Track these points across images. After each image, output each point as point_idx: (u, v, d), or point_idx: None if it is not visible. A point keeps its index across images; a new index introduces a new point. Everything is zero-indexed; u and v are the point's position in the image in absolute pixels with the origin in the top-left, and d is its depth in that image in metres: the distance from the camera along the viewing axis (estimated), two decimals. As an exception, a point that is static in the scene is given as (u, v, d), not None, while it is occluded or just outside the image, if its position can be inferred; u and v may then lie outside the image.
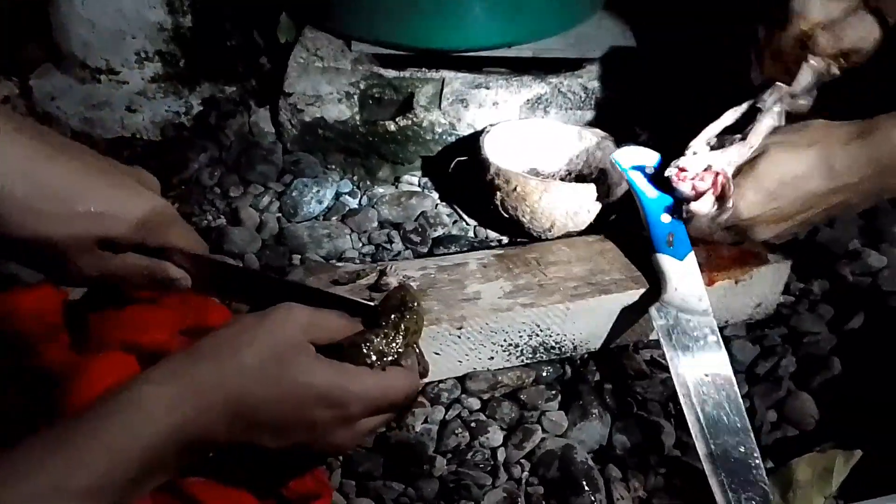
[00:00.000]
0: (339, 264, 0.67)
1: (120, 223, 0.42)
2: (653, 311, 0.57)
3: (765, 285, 0.63)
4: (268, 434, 0.37)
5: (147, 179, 0.46)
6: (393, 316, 0.42)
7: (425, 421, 0.56)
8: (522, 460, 0.54)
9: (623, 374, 0.60)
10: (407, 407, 0.44)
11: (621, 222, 0.68)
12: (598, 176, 0.73)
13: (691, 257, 0.59)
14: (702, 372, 0.54)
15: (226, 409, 0.36)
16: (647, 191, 0.61)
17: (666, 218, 0.60)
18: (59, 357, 0.45)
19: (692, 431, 0.52)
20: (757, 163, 0.57)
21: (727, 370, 0.55)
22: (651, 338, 0.62)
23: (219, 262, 0.56)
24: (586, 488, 0.52)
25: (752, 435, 0.52)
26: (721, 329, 0.64)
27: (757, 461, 0.51)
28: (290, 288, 0.53)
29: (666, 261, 0.58)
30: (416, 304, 0.44)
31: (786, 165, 0.56)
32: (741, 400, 0.54)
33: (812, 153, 0.56)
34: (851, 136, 0.55)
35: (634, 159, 0.63)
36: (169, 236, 0.45)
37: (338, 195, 0.77)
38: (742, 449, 0.51)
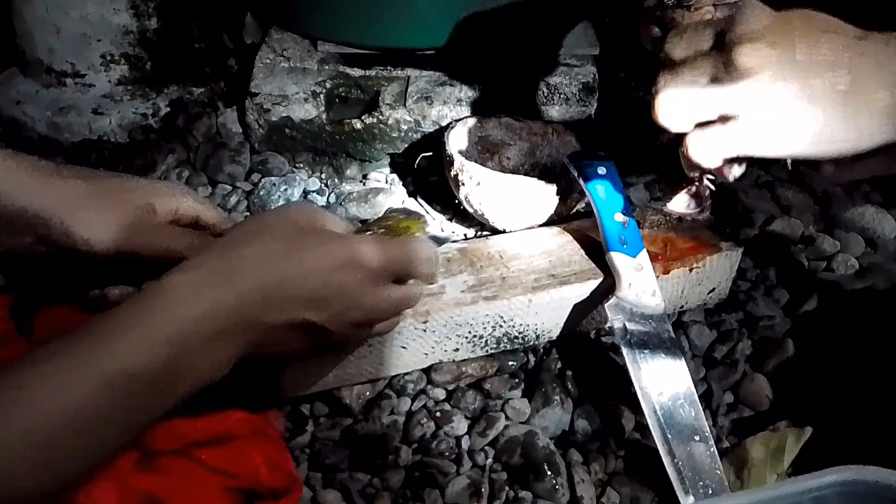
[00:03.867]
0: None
1: (167, 203, 0.51)
2: (608, 307, 0.58)
3: (718, 272, 0.65)
4: (305, 308, 0.39)
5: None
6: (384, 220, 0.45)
7: (391, 412, 0.57)
8: (486, 447, 0.56)
9: (584, 361, 0.62)
10: (430, 270, 0.46)
11: (582, 215, 0.70)
12: (561, 170, 0.75)
13: (643, 254, 0.60)
14: (657, 365, 0.56)
15: (259, 290, 0.37)
16: (600, 192, 0.63)
17: (619, 217, 0.62)
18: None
19: (649, 422, 0.54)
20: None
21: (681, 362, 0.57)
22: (610, 325, 0.64)
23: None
24: (548, 473, 0.53)
25: (706, 423, 0.54)
26: (679, 315, 0.67)
27: (712, 449, 0.53)
28: None
29: (620, 259, 0.60)
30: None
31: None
32: (695, 390, 0.56)
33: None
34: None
35: (587, 161, 0.65)
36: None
37: (306, 193, 0.78)
38: (697, 438, 0.53)
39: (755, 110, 0.44)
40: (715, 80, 0.44)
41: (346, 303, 0.40)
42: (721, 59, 0.44)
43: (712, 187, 0.53)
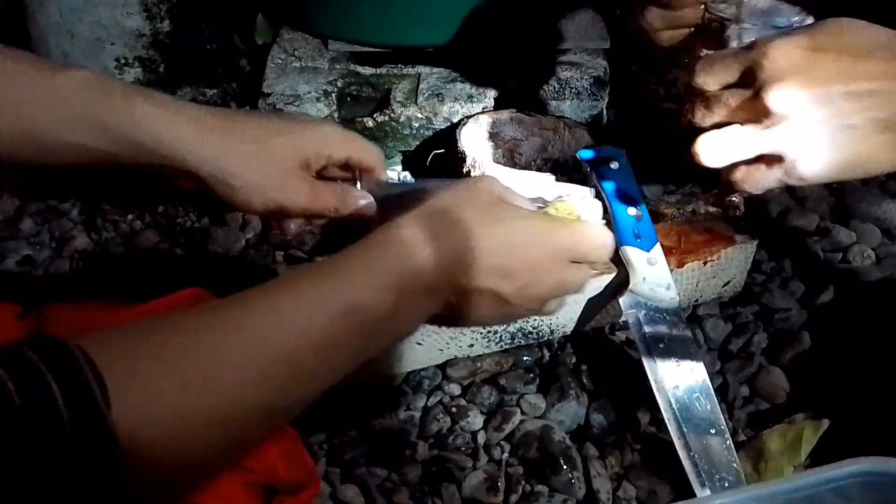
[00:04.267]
0: (320, 259, 0.68)
1: (317, 161, 0.50)
2: (622, 301, 0.58)
3: (732, 265, 0.65)
4: (499, 277, 0.41)
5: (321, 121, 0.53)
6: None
7: (408, 408, 0.58)
8: (502, 442, 0.56)
9: (599, 356, 0.62)
10: (605, 256, 0.47)
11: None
12: (573, 164, 0.74)
13: (657, 248, 0.60)
14: (672, 358, 0.56)
15: (465, 255, 0.40)
16: (613, 186, 0.63)
17: (632, 211, 0.62)
18: None
19: (665, 416, 0.54)
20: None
21: (697, 355, 0.57)
22: (624, 319, 0.64)
23: (399, 184, 0.60)
24: (564, 467, 0.54)
25: (722, 417, 0.54)
26: (694, 308, 0.66)
27: (728, 442, 0.53)
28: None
29: (633, 253, 0.60)
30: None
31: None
32: (710, 383, 0.56)
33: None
34: None
35: (600, 156, 0.65)
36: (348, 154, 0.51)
37: (319, 192, 0.79)
38: (713, 431, 0.53)
39: (795, 150, 0.44)
40: (751, 121, 0.44)
41: (533, 278, 0.42)
42: (754, 100, 0.43)
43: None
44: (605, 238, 0.45)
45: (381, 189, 0.52)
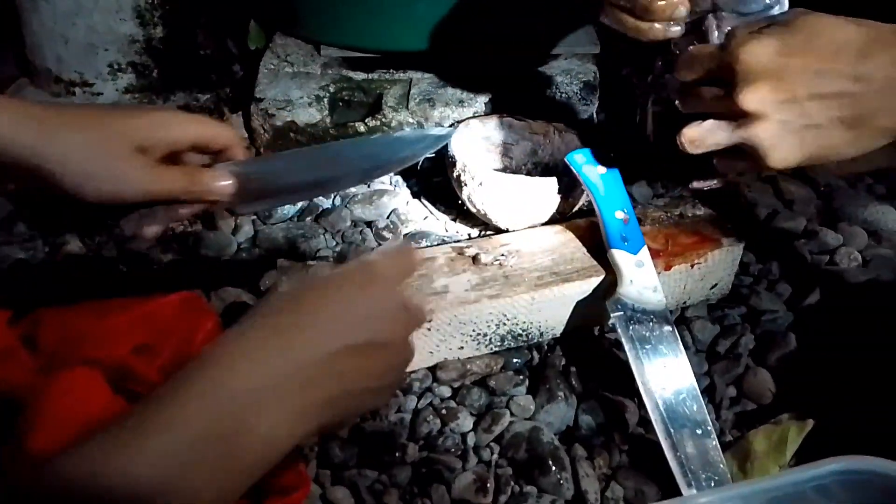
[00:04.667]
0: (313, 263, 0.69)
1: (156, 146, 0.48)
2: (609, 304, 0.59)
3: (719, 267, 0.66)
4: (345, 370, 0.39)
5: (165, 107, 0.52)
6: None
7: (398, 410, 0.58)
8: (492, 444, 0.57)
9: (588, 357, 0.63)
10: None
11: (584, 213, 0.71)
12: (563, 168, 0.75)
13: (644, 251, 0.61)
14: (659, 360, 0.57)
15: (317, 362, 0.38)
16: (601, 190, 0.64)
17: (619, 214, 0.62)
18: (18, 377, 0.45)
19: (651, 417, 0.54)
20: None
21: (683, 357, 0.57)
22: (612, 321, 0.64)
23: (256, 159, 0.60)
24: (553, 467, 0.54)
25: (708, 418, 0.55)
26: (682, 310, 0.67)
27: (714, 443, 0.54)
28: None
29: (621, 256, 0.61)
30: None
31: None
32: (697, 384, 0.56)
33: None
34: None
35: (588, 160, 0.66)
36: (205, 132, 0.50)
37: (311, 196, 0.79)
38: (699, 431, 0.54)
39: (764, 144, 0.48)
40: (725, 115, 0.49)
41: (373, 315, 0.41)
42: (727, 98, 0.48)
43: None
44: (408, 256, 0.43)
45: (242, 167, 0.51)
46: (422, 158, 0.62)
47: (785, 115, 0.47)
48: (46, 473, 0.34)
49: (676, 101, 0.53)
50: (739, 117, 0.48)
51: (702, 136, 0.50)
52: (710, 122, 0.50)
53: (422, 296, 0.44)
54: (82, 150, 0.46)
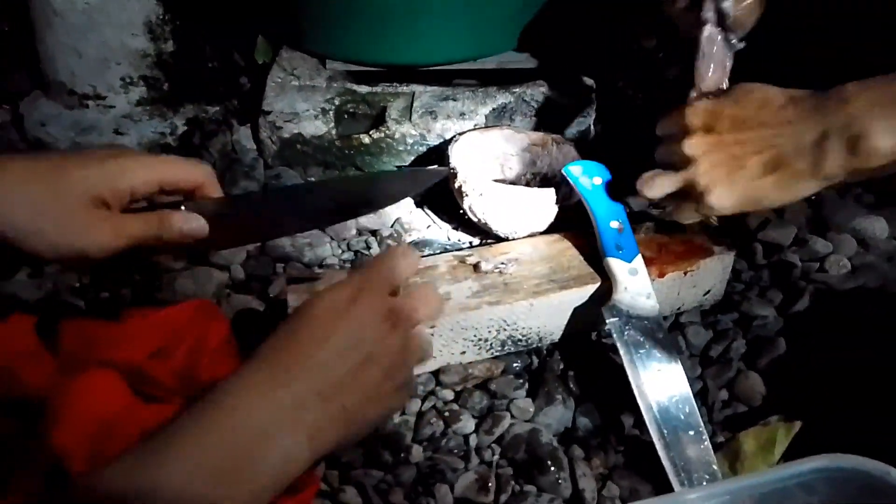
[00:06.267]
0: (320, 271, 0.71)
1: (119, 181, 0.45)
2: (605, 310, 0.62)
3: (711, 275, 0.68)
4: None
5: (126, 151, 0.49)
6: None
7: (403, 413, 0.61)
8: (493, 445, 0.59)
9: (585, 362, 0.65)
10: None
11: (581, 222, 0.73)
12: (560, 179, 0.78)
13: (639, 259, 0.64)
14: (653, 364, 0.59)
15: (311, 390, 0.40)
16: (597, 200, 0.66)
17: (614, 224, 0.65)
18: (41, 380, 0.47)
19: (646, 419, 0.57)
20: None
21: (676, 362, 0.60)
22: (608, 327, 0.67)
23: (229, 197, 0.55)
24: (551, 468, 0.56)
25: (700, 420, 0.57)
26: (677, 316, 0.70)
27: (706, 443, 0.56)
28: (318, 189, 0.59)
29: (616, 264, 0.63)
30: None
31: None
32: (690, 387, 0.59)
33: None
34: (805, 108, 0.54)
35: (585, 171, 0.69)
36: (168, 172, 0.47)
37: (317, 206, 0.82)
38: (692, 433, 0.56)
39: (703, 183, 0.58)
40: (676, 164, 0.60)
41: (361, 335, 0.43)
42: (676, 147, 0.59)
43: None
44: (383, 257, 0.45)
45: (215, 206, 0.49)
46: (410, 195, 0.62)
47: (714, 156, 0.57)
48: (82, 487, 0.37)
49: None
50: (686, 164, 0.59)
51: (655, 178, 0.61)
52: (656, 171, 0.61)
53: (421, 293, 0.46)
54: (30, 205, 0.43)
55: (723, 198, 0.57)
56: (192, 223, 0.48)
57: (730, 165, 0.56)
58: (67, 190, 0.44)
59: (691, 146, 0.58)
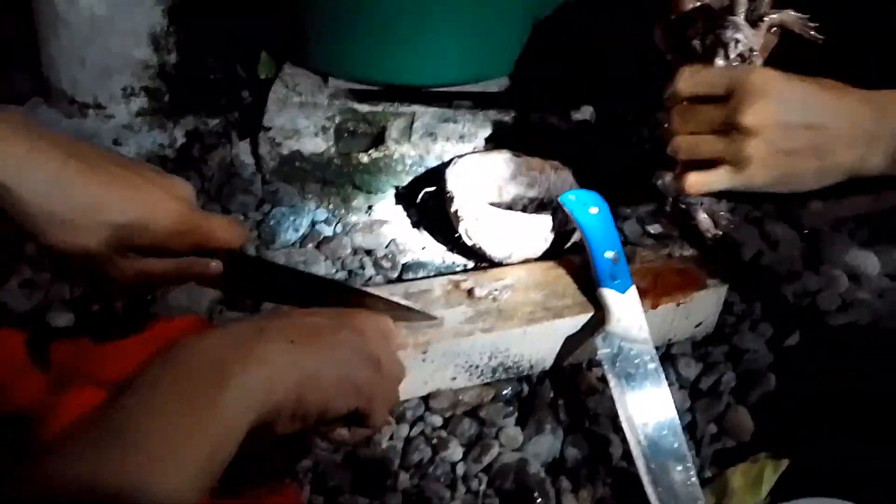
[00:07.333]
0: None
1: (146, 232, 0.47)
2: (598, 340, 0.62)
3: (704, 306, 0.68)
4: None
5: (179, 187, 0.50)
6: None
7: (391, 438, 0.61)
8: (480, 474, 0.59)
9: (575, 391, 0.65)
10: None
11: (576, 249, 0.73)
12: (557, 206, 0.78)
13: (632, 290, 0.64)
14: (642, 397, 0.59)
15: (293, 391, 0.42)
16: (592, 230, 0.67)
17: (609, 254, 0.65)
18: (30, 396, 0.48)
19: (633, 452, 0.57)
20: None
21: (666, 394, 0.60)
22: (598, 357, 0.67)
23: (254, 259, 0.60)
24: (539, 499, 0.56)
25: (689, 454, 0.57)
26: (668, 347, 0.70)
27: (693, 479, 0.56)
28: (329, 286, 0.60)
29: (609, 294, 0.63)
30: None
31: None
32: (679, 420, 0.59)
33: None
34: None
35: (580, 200, 0.69)
36: (200, 235, 0.49)
37: (313, 223, 0.82)
38: (679, 467, 0.56)
39: (750, 159, 0.52)
40: (720, 130, 0.53)
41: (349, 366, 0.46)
42: (727, 111, 0.52)
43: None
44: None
45: (239, 263, 0.52)
46: None
47: (775, 136, 0.51)
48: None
49: (668, 123, 0.56)
50: (732, 131, 0.52)
51: (694, 143, 0.54)
52: (699, 122, 0.54)
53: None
54: (50, 186, 0.44)
55: (766, 177, 0.53)
56: (214, 270, 0.51)
57: (784, 147, 0.52)
58: (112, 222, 0.46)
59: (757, 118, 0.51)
